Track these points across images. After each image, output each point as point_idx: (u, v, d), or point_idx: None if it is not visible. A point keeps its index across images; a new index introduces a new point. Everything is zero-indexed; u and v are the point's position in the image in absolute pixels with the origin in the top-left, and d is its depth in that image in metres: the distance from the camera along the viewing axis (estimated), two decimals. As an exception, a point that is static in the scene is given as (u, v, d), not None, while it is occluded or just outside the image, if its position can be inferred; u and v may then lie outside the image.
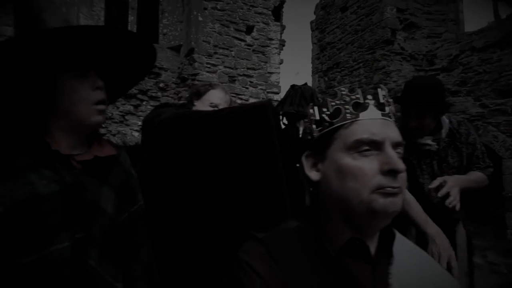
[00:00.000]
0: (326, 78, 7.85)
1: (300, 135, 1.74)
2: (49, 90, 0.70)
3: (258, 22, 7.14)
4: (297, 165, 1.75)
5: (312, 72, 8.33)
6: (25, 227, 0.63)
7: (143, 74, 0.92)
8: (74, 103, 0.73)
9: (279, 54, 7.92)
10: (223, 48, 6.47)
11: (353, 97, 0.64)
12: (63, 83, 0.72)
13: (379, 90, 0.65)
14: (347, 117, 0.63)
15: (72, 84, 0.73)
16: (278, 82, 7.08)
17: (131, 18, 7.09)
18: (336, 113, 0.64)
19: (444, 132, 1.59)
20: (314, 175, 0.67)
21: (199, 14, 6.59)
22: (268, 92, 6.71)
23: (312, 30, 8.57)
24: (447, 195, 1.30)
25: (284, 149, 1.00)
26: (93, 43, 0.75)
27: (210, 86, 1.59)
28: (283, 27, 8.25)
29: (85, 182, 0.73)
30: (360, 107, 0.63)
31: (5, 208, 0.61)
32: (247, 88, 6.43)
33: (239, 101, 6.15)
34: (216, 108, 1.57)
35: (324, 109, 0.66)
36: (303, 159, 0.69)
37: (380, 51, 6.38)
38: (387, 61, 6.28)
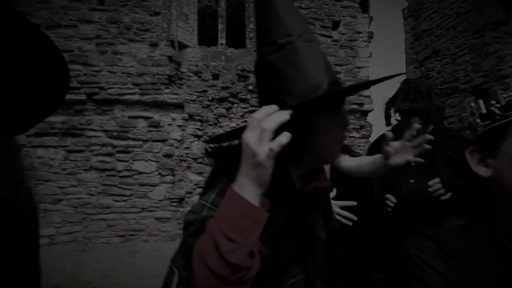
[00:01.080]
0: (423, 69, 7.19)
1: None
2: (305, 130, 0.68)
3: (344, 16, 6.91)
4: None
5: (406, 63, 7.72)
6: (268, 263, 0.64)
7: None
8: (323, 142, 0.71)
9: (367, 47, 7.55)
10: (309, 47, 6.42)
11: None
12: (318, 123, 0.70)
13: None
14: None
15: (326, 125, 0.70)
16: (368, 77, 6.75)
17: (221, 26, 7.53)
18: (510, 105, 0.60)
19: None
20: (483, 171, 0.63)
21: (285, 15, 6.66)
22: (357, 88, 6.45)
23: (405, 18, 7.95)
24: None
25: None
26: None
27: None
28: (370, 18, 7.83)
29: (306, 212, 0.75)
30: None
31: (267, 248, 0.63)
32: (335, 85, 6.28)
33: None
34: None
35: (493, 102, 0.62)
36: (467, 154, 0.65)
37: (491, 33, 5.58)
38: (499, 44, 5.47)
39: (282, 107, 0.60)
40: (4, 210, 0.54)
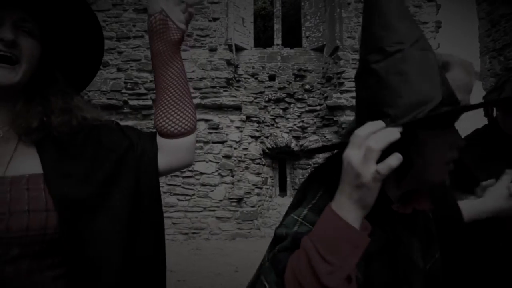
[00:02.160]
0: (502, 58, 6.43)
1: None
2: (409, 147, 0.61)
3: (408, 6, 6.48)
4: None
5: (481, 53, 6.99)
6: None
7: None
8: (429, 162, 0.64)
9: (434, 38, 6.98)
10: (369, 41, 6.14)
11: None
12: (424, 140, 0.62)
13: None
14: None
15: (433, 143, 0.63)
16: (436, 70, 6.23)
17: (277, 26, 7.53)
18: None
19: None
20: None
21: (343, 11, 6.45)
22: (424, 83, 6.01)
23: (478, 3, 7.20)
24: None
25: None
26: None
27: (443, 66, 1.08)
28: (438, 6, 7.23)
29: (402, 236, 0.70)
30: None
31: (361, 274, 0.60)
32: (398, 80, 5.92)
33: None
34: None
35: None
36: None
37: None
38: None
39: (388, 122, 0.54)
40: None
